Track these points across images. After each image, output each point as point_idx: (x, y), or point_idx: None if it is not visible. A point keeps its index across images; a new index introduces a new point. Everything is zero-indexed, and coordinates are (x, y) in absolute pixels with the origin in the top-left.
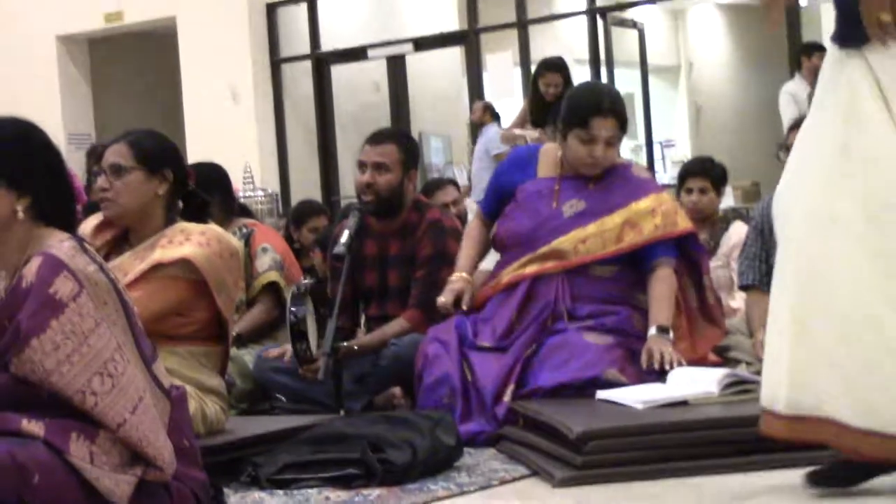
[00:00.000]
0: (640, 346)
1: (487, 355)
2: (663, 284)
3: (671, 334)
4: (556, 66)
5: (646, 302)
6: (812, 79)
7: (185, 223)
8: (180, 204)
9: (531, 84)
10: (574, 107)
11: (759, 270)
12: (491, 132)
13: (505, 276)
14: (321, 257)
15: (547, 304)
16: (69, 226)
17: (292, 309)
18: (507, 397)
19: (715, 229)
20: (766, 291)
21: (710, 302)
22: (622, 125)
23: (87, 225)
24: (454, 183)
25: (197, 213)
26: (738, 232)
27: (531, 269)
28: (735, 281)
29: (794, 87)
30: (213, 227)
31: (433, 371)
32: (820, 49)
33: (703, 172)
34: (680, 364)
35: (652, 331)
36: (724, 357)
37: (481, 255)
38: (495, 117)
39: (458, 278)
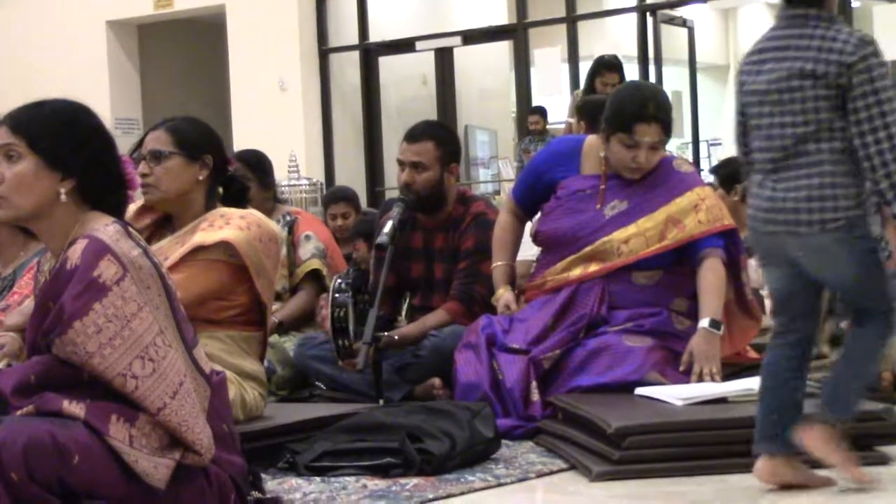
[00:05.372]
0: (679, 346)
1: (515, 357)
2: (712, 275)
3: (722, 329)
4: (614, 66)
5: (682, 305)
6: None
7: (224, 208)
8: (220, 190)
9: (587, 80)
10: (618, 111)
11: None
12: None
13: (549, 279)
14: (366, 248)
15: (583, 315)
16: (117, 210)
17: (335, 297)
18: (535, 396)
19: None
20: None
21: (747, 297)
22: (667, 130)
23: (129, 209)
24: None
25: (237, 199)
26: None
27: (575, 274)
28: None
29: None
30: (252, 212)
31: (463, 378)
32: None
33: (714, 171)
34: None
35: (704, 323)
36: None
37: (515, 252)
38: None
39: (501, 294)
